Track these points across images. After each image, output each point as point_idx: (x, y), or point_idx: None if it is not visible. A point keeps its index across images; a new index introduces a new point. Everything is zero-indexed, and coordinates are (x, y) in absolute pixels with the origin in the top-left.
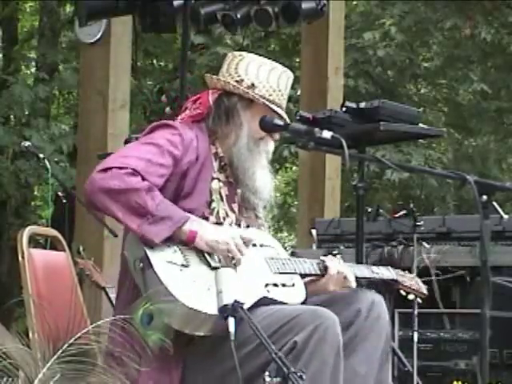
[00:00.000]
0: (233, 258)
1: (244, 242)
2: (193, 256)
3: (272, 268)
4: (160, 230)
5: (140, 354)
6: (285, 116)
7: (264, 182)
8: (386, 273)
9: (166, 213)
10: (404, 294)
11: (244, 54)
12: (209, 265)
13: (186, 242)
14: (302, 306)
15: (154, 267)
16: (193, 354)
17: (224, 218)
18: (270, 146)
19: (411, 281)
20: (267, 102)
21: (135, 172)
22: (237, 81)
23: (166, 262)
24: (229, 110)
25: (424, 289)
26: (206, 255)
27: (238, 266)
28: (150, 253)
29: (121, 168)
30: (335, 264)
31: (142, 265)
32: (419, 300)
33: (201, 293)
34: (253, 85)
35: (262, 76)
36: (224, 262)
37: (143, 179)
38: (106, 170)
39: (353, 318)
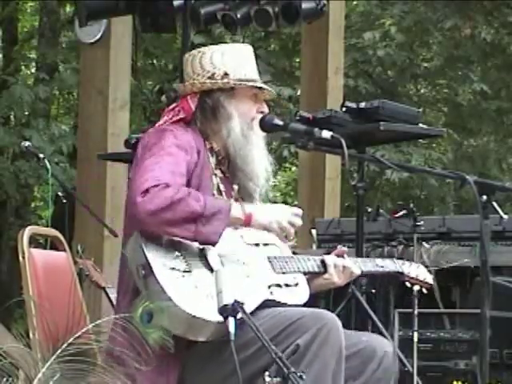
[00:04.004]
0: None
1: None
2: (195, 261)
3: (275, 268)
4: (215, 227)
5: (140, 353)
6: (265, 87)
7: (263, 166)
8: (391, 265)
9: (215, 208)
10: (409, 285)
11: (200, 49)
12: (211, 269)
13: (243, 225)
14: (304, 308)
15: (155, 274)
16: (193, 357)
17: None
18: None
19: (417, 271)
20: (247, 83)
21: (169, 184)
22: (209, 77)
23: (167, 269)
24: (214, 108)
25: (430, 278)
26: (208, 259)
27: (291, 241)
28: (151, 259)
29: (156, 186)
30: (333, 259)
31: (144, 272)
32: (424, 290)
33: (202, 299)
34: (226, 73)
35: (229, 61)
36: (279, 237)
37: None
38: (144, 192)
39: (364, 366)
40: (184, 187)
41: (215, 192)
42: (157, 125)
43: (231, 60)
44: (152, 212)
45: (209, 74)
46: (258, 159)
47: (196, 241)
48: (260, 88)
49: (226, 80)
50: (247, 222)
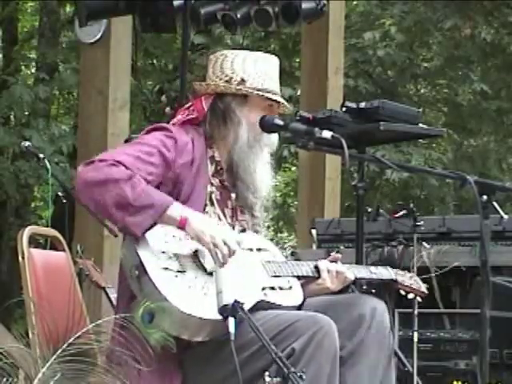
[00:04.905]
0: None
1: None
2: (188, 262)
3: (269, 271)
4: (142, 220)
5: (141, 353)
6: (282, 100)
7: (264, 179)
8: (384, 273)
9: (148, 201)
10: (403, 293)
11: (225, 52)
12: (205, 270)
13: (178, 228)
14: (299, 312)
15: (149, 274)
16: (192, 358)
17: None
18: (274, 137)
19: (410, 280)
20: (261, 92)
21: (117, 163)
22: (226, 81)
23: (161, 269)
24: (225, 112)
25: (424, 288)
26: (201, 260)
27: (223, 265)
28: (145, 260)
29: (102, 160)
30: (326, 264)
31: (137, 272)
32: (419, 299)
33: (197, 298)
34: (243, 80)
35: (249, 68)
36: (212, 259)
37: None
38: (89, 163)
39: (356, 325)
40: (136, 173)
41: (207, 201)
42: (171, 123)
43: (251, 67)
44: (86, 183)
45: (226, 77)
46: (260, 172)
47: (118, 226)
48: (275, 101)
49: (240, 86)
50: (181, 225)
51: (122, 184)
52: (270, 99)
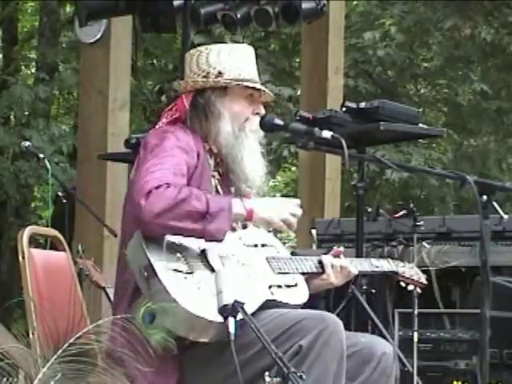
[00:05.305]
0: (289, 225)
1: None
2: (197, 262)
3: (274, 268)
4: (221, 224)
5: (141, 353)
6: (262, 87)
7: (254, 167)
8: (386, 265)
9: (217, 206)
10: (404, 285)
11: (199, 48)
12: (212, 270)
13: (245, 221)
14: (306, 310)
15: (158, 276)
16: (194, 358)
17: None
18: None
19: (411, 271)
20: (240, 82)
21: (170, 185)
22: (204, 76)
23: (170, 270)
24: (205, 106)
25: (423, 278)
26: (209, 260)
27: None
28: (153, 261)
29: (158, 187)
30: (330, 259)
31: (146, 273)
32: (418, 290)
33: (205, 299)
34: (220, 72)
35: (225, 60)
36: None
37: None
38: (147, 194)
39: (362, 367)
40: (185, 187)
41: (214, 194)
42: (157, 126)
43: (227, 59)
44: (157, 214)
45: (204, 73)
46: (248, 161)
47: (203, 238)
48: (256, 89)
49: (218, 79)
50: (249, 218)
51: (189, 200)
52: (250, 88)
